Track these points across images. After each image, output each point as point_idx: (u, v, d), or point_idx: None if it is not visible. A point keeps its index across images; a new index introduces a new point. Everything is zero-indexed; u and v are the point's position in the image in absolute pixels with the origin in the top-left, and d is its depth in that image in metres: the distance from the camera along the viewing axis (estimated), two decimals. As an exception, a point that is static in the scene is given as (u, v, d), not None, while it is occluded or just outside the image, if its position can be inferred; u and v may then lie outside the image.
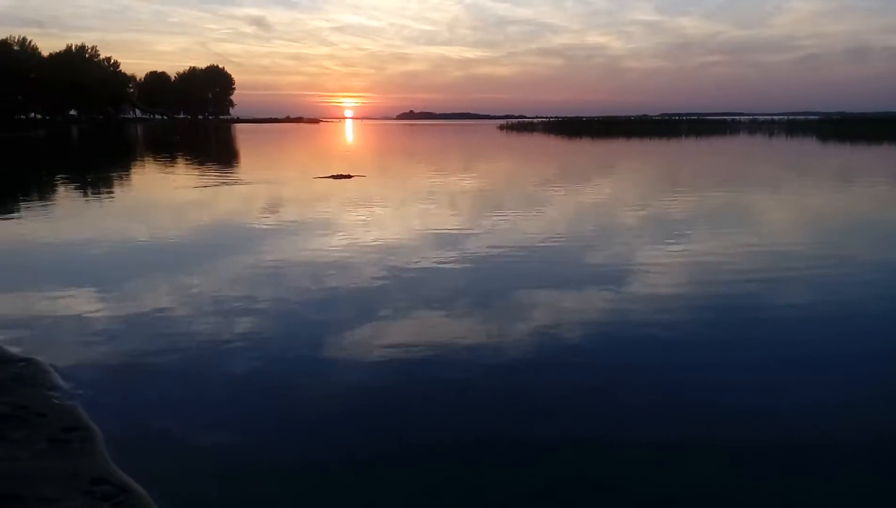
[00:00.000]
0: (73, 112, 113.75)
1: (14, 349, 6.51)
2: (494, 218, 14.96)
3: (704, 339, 6.99)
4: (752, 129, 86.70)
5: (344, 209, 16.48)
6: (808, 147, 50.06)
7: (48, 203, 18.32)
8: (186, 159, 36.70)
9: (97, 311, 7.91)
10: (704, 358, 6.46)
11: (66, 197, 19.69)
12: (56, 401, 5.42)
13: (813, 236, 13.19)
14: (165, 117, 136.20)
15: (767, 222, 14.81)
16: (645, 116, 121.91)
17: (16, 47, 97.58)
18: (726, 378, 6.01)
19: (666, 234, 12.87)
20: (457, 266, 10.14)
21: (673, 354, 6.55)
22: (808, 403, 5.53)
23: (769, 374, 6.11)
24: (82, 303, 8.21)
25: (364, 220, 14.71)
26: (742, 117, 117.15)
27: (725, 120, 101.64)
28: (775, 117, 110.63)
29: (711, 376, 6.08)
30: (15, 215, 15.75)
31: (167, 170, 30.26)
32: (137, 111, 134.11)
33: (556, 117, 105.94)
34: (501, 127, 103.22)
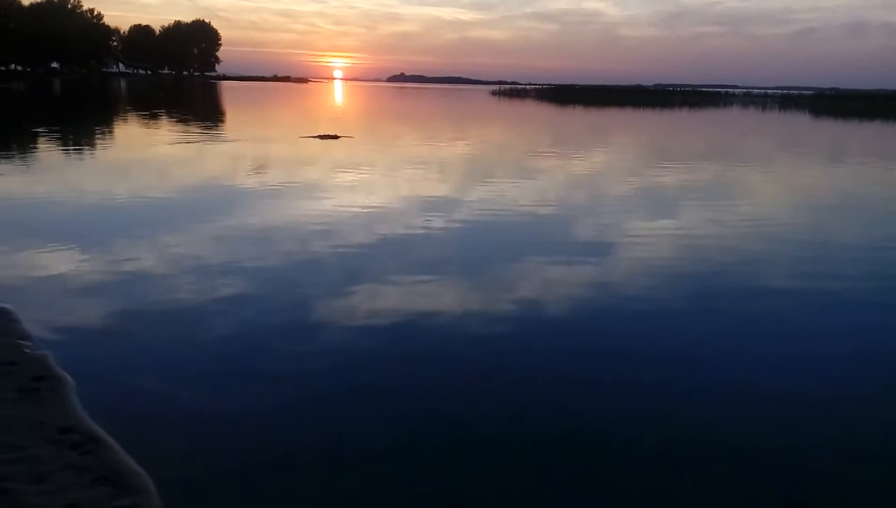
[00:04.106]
0: (54, 65, 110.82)
1: (-15, 299, 6.38)
2: (482, 184, 14.84)
3: (692, 311, 6.97)
4: (745, 102, 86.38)
5: (329, 171, 16.26)
6: (799, 122, 50.03)
7: (28, 158, 17.92)
8: (171, 116, 35.98)
9: (74, 266, 7.76)
10: (691, 330, 6.46)
11: (47, 152, 19.24)
12: (26, 350, 5.32)
13: (802, 211, 13.23)
14: (149, 73, 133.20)
15: (757, 197, 14.82)
16: (639, 85, 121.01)
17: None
18: (711, 349, 6.03)
19: (655, 206, 12.85)
20: (445, 232, 10.04)
21: (660, 324, 6.54)
22: (796, 380, 5.56)
23: (757, 346, 6.13)
24: (60, 258, 8.06)
25: (350, 182, 14.52)
26: (736, 90, 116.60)
27: (719, 92, 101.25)
28: (769, 91, 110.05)
29: (696, 347, 6.08)
30: (-8, 165, 15.37)
31: (151, 126, 29.66)
32: (121, 65, 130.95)
33: (549, 84, 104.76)
34: (493, 92, 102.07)
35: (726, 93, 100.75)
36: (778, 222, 11.44)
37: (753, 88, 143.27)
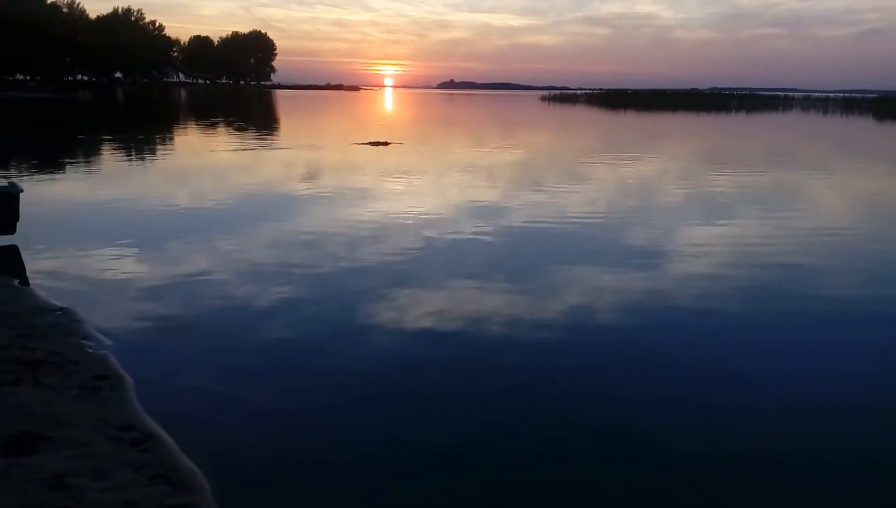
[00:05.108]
0: (118, 75, 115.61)
1: (52, 299, 6.64)
2: (532, 191, 14.73)
3: (749, 323, 6.70)
4: (805, 106, 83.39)
5: (380, 177, 16.40)
6: (861, 126, 47.99)
7: (93, 163, 18.70)
8: (229, 124, 37.03)
9: (135, 268, 8.03)
10: (749, 343, 6.22)
11: (111, 158, 20.05)
12: (89, 350, 5.50)
13: (865, 221, 12.64)
14: (208, 82, 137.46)
15: (818, 205, 14.23)
16: (694, 89, 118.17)
17: (64, 10, 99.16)
18: (769, 364, 5.78)
19: (710, 214, 12.50)
20: (493, 238, 9.97)
21: (715, 337, 6.32)
22: (857, 397, 5.29)
23: (819, 362, 5.86)
24: (121, 260, 8.34)
25: (401, 188, 14.61)
26: (795, 94, 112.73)
27: (778, 96, 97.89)
28: (830, 94, 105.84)
29: (753, 361, 5.85)
30: (61, 173, 16.11)
31: (210, 134, 30.59)
32: (181, 75, 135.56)
33: (600, 89, 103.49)
34: (543, 98, 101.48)
35: (785, 96, 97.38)
36: (840, 233, 10.94)
37: (814, 91, 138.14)
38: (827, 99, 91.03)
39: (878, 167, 21.41)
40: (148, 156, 20.77)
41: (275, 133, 31.23)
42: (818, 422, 4.68)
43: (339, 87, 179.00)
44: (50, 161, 18.19)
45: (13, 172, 15.31)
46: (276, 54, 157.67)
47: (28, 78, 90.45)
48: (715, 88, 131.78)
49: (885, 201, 14.40)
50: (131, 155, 20.86)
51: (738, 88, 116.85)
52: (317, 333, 6.08)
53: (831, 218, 12.10)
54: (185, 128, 33.77)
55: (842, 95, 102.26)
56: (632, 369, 5.52)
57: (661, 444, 4.35)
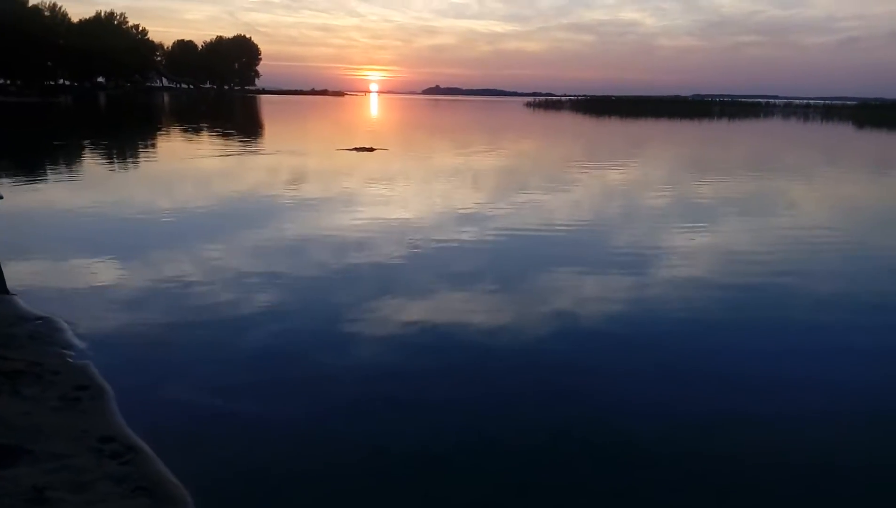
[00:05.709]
0: (100, 79, 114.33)
1: (32, 308, 6.55)
2: (517, 197, 14.78)
3: (735, 327, 6.78)
4: (786, 112, 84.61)
5: (365, 183, 16.37)
6: (840, 133, 48.73)
7: (74, 170, 18.49)
8: (212, 129, 36.78)
9: (116, 276, 7.94)
10: (735, 347, 6.28)
11: (92, 164, 19.83)
12: (70, 360, 5.43)
13: (847, 226, 12.83)
14: (192, 87, 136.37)
15: (795, 211, 14.42)
16: (676, 96, 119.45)
17: (46, 13, 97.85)
18: (756, 368, 5.83)
19: (694, 219, 12.61)
20: (480, 245, 10.00)
21: (702, 342, 6.38)
22: (844, 399, 5.34)
23: (805, 366, 5.92)
24: (102, 268, 8.25)
25: (385, 194, 14.59)
26: (777, 100, 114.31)
27: (759, 103, 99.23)
28: (811, 101, 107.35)
29: (740, 365, 5.90)
30: (41, 180, 15.91)
31: (193, 139, 30.36)
32: (164, 80, 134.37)
33: (584, 96, 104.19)
34: (528, 104, 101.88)
35: (767, 103, 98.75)
36: (823, 238, 11.08)
37: (795, 98, 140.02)
38: (808, 106, 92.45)
39: (856, 174, 21.75)
40: (130, 162, 20.58)
41: (259, 138, 31.08)
42: (806, 427, 4.73)
43: (324, 92, 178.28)
44: (30, 167, 17.96)
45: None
46: (260, 59, 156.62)
47: (8, 82, 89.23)
48: (697, 95, 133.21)
49: (863, 207, 14.62)
50: (113, 161, 20.66)
51: (720, 95, 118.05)
52: (301, 342, 6.05)
53: (813, 224, 12.24)
54: (168, 133, 33.49)
55: (822, 102, 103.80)
56: (618, 374, 5.55)
57: (649, 449, 4.38)
